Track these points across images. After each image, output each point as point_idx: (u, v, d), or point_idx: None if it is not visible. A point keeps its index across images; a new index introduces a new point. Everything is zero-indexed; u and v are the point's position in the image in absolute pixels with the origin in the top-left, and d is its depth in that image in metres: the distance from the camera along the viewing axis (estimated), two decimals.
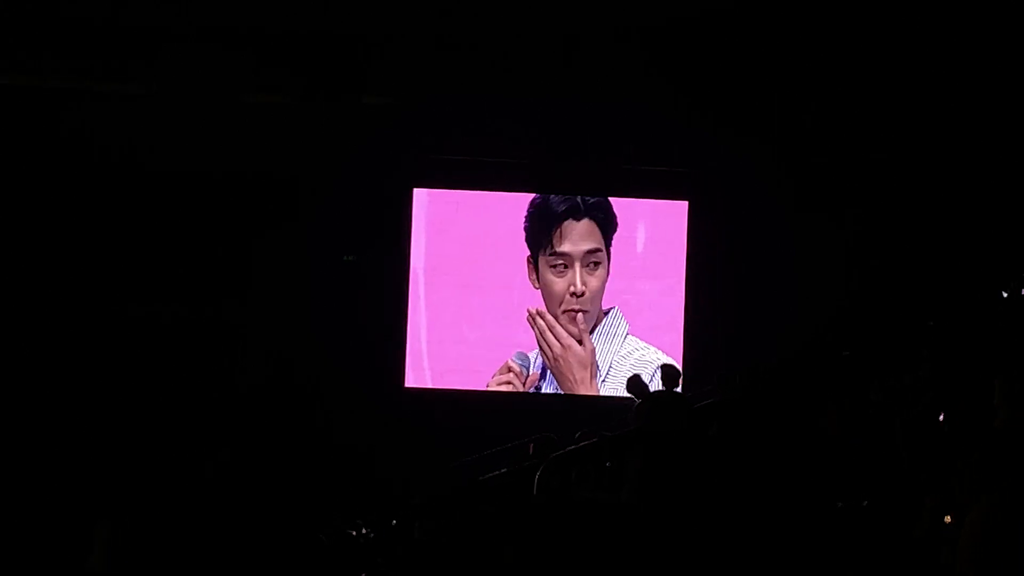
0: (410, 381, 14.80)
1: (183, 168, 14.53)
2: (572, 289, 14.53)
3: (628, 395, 9.85)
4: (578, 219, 14.67)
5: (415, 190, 14.95)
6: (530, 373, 14.43)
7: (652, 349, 14.53)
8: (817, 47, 13.87)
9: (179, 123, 14.36)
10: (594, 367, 14.56)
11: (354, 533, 8.57)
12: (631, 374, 10.81)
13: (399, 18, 13.84)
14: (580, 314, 14.54)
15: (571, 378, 14.51)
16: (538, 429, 12.19)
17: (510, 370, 14.52)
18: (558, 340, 14.52)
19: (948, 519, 5.12)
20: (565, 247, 14.60)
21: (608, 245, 14.64)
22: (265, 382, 14.40)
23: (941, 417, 6.77)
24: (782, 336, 13.62)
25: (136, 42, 14.16)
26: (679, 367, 11.80)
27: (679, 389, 11.33)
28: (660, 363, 12.41)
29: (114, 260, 14.61)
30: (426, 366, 14.78)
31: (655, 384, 10.96)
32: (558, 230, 14.62)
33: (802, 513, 5.84)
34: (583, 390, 14.47)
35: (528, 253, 14.63)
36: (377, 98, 14.82)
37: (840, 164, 14.25)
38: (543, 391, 14.50)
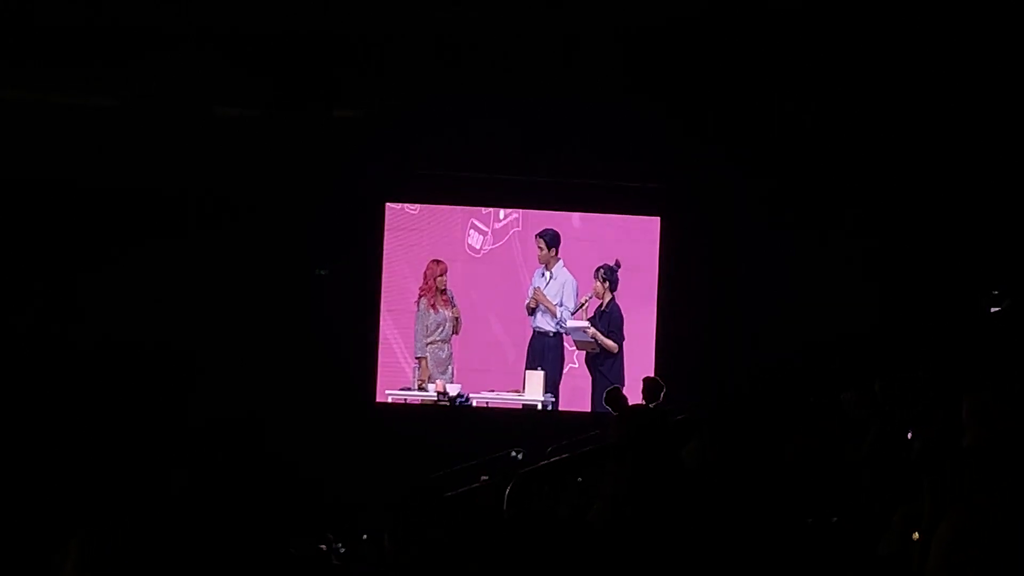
0: (381, 395, 14.79)
1: (150, 183, 14.46)
2: None
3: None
4: None
5: (387, 204, 14.98)
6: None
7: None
8: (792, 63, 13.91)
9: (147, 136, 14.32)
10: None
11: (324, 548, 8.55)
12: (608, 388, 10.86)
13: (370, 28, 13.82)
14: None
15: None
16: (511, 443, 12.23)
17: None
18: None
19: (916, 536, 5.14)
20: None
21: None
22: (229, 401, 14.32)
23: (909, 435, 6.80)
24: (755, 349, 13.66)
25: (107, 54, 14.10)
26: (660, 381, 11.79)
27: (660, 401, 11.38)
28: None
29: (69, 277, 14.54)
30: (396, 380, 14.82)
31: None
32: None
33: (772, 529, 5.84)
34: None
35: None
36: (349, 111, 14.81)
37: (814, 180, 14.29)
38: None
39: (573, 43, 13.90)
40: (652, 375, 12.42)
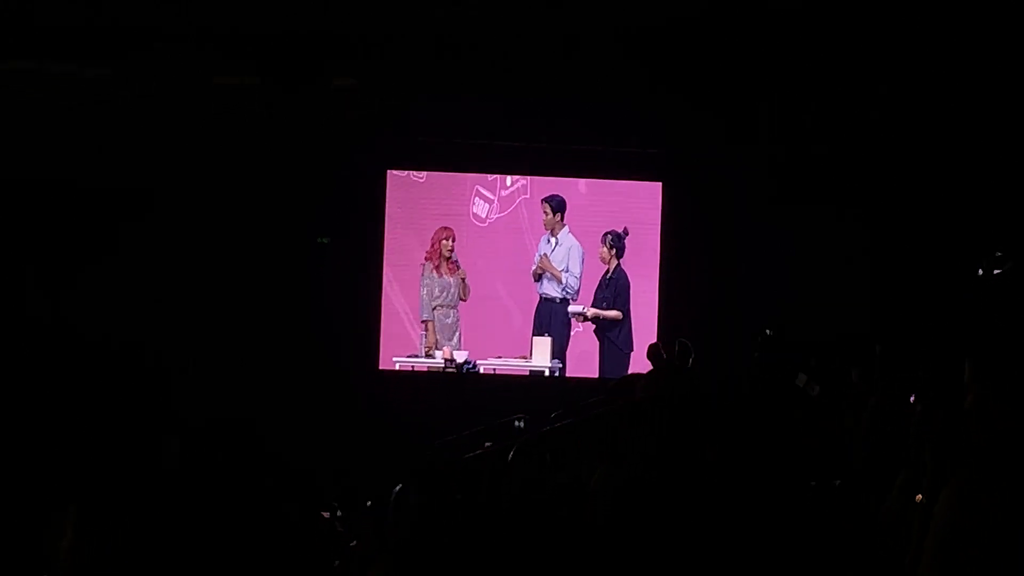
0: (387, 363, 14.81)
1: (149, 151, 14.45)
2: None
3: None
4: None
5: (390, 172, 14.97)
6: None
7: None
8: (802, 37, 13.86)
9: (146, 103, 14.29)
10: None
11: (327, 515, 8.57)
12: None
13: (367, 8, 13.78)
14: None
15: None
16: (518, 410, 12.24)
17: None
18: None
19: (919, 498, 5.14)
20: None
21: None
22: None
23: (912, 399, 6.80)
24: (756, 316, 13.65)
25: (103, 22, 14.06)
26: (689, 345, 11.88)
27: (689, 366, 11.50)
28: None
29: (84, 232, 14.55)
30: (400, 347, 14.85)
31: None
32: None
33: (777, 492, 5.86)
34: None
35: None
36: (348, 80, 14.77)
37: (812, 151, 14.28)
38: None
39: (575, 8, 13.86)
40: (683, 339, 12.47)
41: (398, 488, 6.43)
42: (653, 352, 12.07)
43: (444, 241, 14.81)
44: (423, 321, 14.84)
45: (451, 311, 14.87)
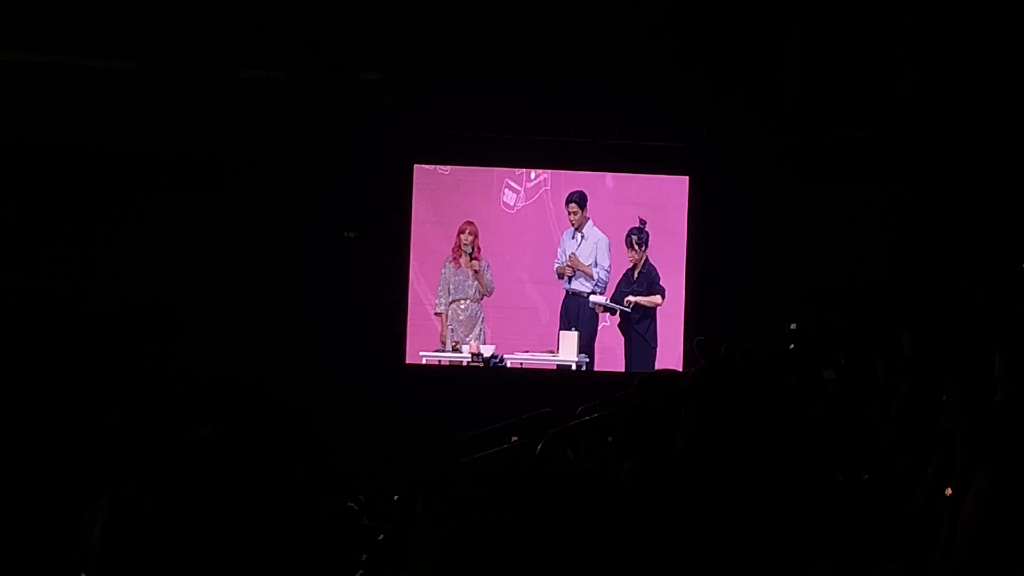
0: (412, 357, 14.81)
1: (177, 146, 14.49)
2: None
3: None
4: None
5: (416, 166, 14.97)
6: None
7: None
8: (822, 22, 13.82)
9: (173, 100, 14.33)
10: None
11: (355, 507, 8.57)
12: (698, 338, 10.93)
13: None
14: None
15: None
16: (545, 404, 12.21)
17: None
18: None
19: (948, 491, 5.11)
20: None
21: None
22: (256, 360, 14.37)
23: (944, 398, 6.75)
24: (784, 311, 13.60)
25: (129, 16, 14.11)
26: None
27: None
28: None
29: (102, 238, 14.59)
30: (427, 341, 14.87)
31: None
32: None
33: (804, 486, 5.83)
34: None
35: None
36: (375, 73, 14.79)
37: (843, 139, 14.21)
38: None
39: (601, 1, 13.87)
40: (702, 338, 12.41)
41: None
42: (702, 348, 11.92)
43: (463, 235, 14.80)
44: (436, 314, 14.85)
45: (470, 305, 14.85)
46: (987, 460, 4.32)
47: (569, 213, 14.79)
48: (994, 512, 4.07)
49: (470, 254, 14.79)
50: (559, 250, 14.86)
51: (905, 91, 13.75)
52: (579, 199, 14.80)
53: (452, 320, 14.83)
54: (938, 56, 13.47)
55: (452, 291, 14.83)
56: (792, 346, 9.16)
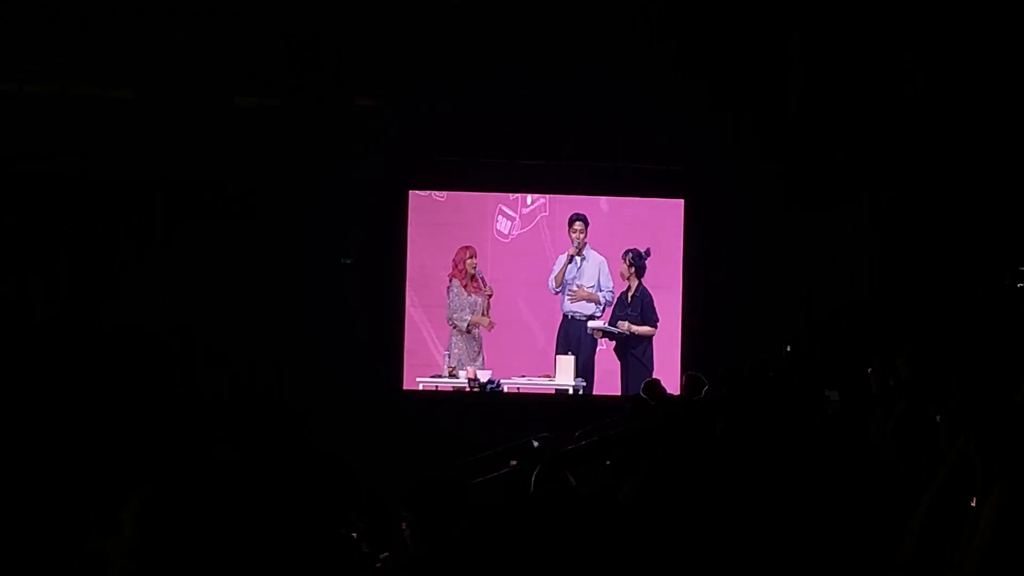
0: (408, 383, 14.80)
1: (170, 173, 14.51)
2: None
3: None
4: None
5: (411, 192, 14.98)
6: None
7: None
8: (816, 43, 13.86)
9: (168, 126, 14.35)
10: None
11: (354, 535, 8.54)
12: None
13: (388, 13, 13.85)
14: None
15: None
16: (543, 429, 12.21)
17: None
18: None
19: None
20: None
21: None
22: (255, 385, 14.37)
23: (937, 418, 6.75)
24: (781, 332, 13.61)
25: (124, 45, 14.14)
26: (703, 378, 11.76)
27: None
28: None
29: (105, 265, 14.60)
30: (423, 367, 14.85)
31: None
32: None
33: (803, 509, 5.83)
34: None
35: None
36: (369, 100, 14.82)
37: (836, 161, 14.23)
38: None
39: (594, 25, 13.90)
40: (691, 372, 12.40)
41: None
42: (694, 382, 11.89)
43: (469, 260, 14.80)
44: (448, 319, 14.81)
45: (474, 329, 14.86)
46: (1006, 468, 4.27)
47: (574, 232, 14.78)
48: (1010, 529, 4.04)
49: (481, 278, 14.79)
50: (554, 266, 14.82)
51: (910, 103, 13.75)
52: (584, 218, 14.80)
53: (452, 346, 14.82)
54: (943, 70, 13.48)
55: (460, 309, 14.81)
56: (792, 366, 9.18)
